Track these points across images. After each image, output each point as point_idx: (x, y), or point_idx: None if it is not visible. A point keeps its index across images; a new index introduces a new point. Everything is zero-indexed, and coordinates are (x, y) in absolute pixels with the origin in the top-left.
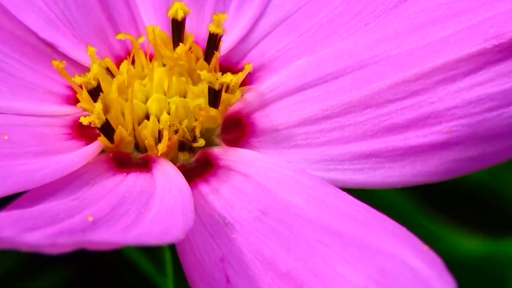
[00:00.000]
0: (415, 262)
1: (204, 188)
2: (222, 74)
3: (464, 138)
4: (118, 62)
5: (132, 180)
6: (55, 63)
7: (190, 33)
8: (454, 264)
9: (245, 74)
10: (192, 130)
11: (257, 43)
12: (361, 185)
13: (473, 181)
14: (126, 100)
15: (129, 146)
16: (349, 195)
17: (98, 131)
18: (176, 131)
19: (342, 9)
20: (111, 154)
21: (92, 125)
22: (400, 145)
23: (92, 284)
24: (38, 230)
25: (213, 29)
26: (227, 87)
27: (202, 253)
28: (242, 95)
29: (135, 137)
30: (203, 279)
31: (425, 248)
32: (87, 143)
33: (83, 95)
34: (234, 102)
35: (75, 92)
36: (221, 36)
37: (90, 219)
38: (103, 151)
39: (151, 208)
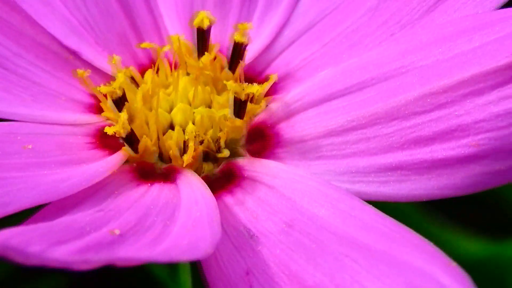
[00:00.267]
0: (444, 278)
1: (228, 199)
2: (246, 84)
3: (491, 151)
4: (142, 70)
5: (157, 191)
6: (80, 72)
7: (215, 42)
8: None
9: (271, 84)
10: (217, 140)
11: (282, 52)
12: (386, 198)
13: None
14: (151, 109)
15: (153, 157)
16: (374, 208)
17: (122, 141)
18: (201, 142)
19: (367, 18)
20: (134, 164)
21: (117, 135)
22: (426, 158)
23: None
24: (65, 244)
25: (238, 38)
26: (252, 97)
27: (227, 265)
28: (267, 105)
29: (159, 147)
30: None
31: (453, 264)
32: (111, 153)
33: (107, 104)
34: (259, 112)
35: (98, 101)
36: (246, 46)
37: (117, 232)
38: (126, 161)
39: (177, 220)
